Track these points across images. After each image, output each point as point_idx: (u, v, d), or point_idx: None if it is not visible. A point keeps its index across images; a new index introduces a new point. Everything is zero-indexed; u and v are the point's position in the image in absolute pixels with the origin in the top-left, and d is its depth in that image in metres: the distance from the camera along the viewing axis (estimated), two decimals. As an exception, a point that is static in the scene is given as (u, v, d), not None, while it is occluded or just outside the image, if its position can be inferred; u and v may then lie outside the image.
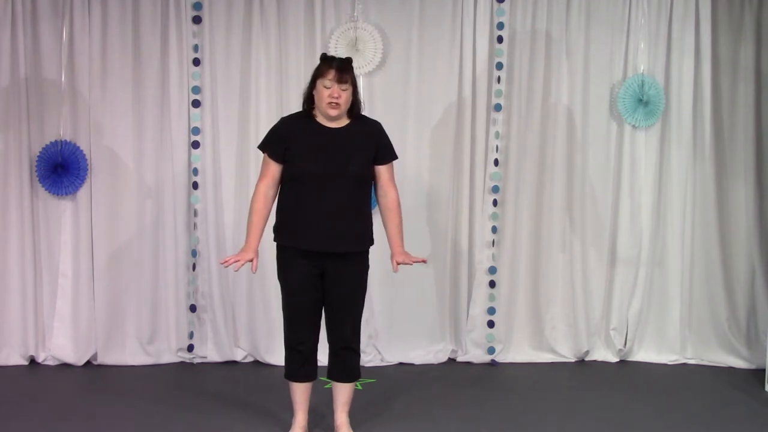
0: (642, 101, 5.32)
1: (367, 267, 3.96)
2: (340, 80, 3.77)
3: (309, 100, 3.88)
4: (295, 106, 4.35)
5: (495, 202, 5.36)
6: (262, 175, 3.89)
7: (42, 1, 5.06)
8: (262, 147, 3.92)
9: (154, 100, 5.18)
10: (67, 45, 5.08)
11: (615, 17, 5.36)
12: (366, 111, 4.51)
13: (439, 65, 5.30)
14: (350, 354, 3.97)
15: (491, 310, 5.41)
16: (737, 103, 5.45)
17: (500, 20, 5.28)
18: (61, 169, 5.08)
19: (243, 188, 5.18)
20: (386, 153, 3.92)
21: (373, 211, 3.99)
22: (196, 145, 5.21)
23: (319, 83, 3.80)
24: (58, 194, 5.11)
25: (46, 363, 5.22)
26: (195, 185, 5.23)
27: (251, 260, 3.84)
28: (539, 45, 5.33)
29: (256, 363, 5.34)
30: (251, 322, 5.31)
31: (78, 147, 5.11)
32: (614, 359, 5.52)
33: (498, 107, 5.32)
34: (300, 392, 3.99)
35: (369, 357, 5.27)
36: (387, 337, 5.36)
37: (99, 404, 4.53)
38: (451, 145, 5.32)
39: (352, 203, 3.82)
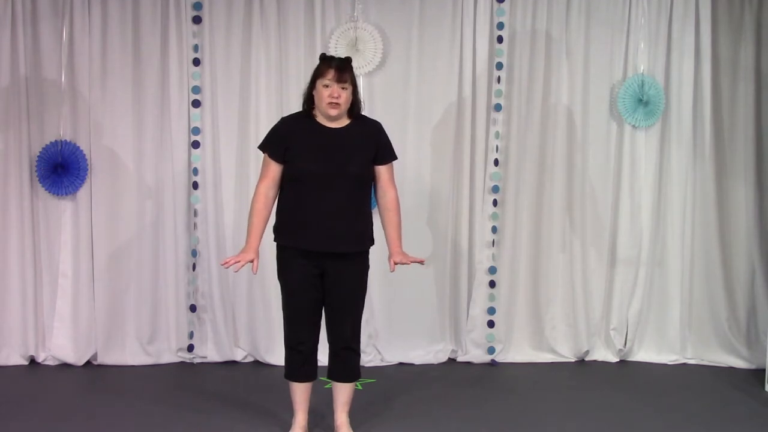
0: (642, 101, 5.32)
1: (367, 267, 3.96)
2: (339, 80, 3.77)
3: (309, 100, 3.88)
4: (295, 106, 4.35)
5: (495, 202, 5.36)
6: (262, 176, 3.89)
7: (42, 1, 5.06)
8: (263, 147, 3.91)
9: (154, 100, 5.18)
10: (67, 45, 5.08)
11: (615, 17, 5.36)
12: (366, 111, 4.51)
13: (439, 65, 5.30)
14: (350, 354, 3.97)
15: (491, 310, 5.41)
16: (737, 103, 5.45)
17: (500, 20, 5.28)
18: (61, 169, 5.08)
19: (243, 188, 5.19)
20: (386, 153, 3.92)
21: (372, 211, 3.99)
22: (196, 145, 5.21)
23: (319, 83, 3.80)
24: (58, 194, 5.11)
25: (46, 363, 5.22)
26: (195, 185, 5.23)
27: (252, 261, 3.83)
28: (539, 45, 5.34)
29: (256, 363, 5.35)
30: (251, 322, 5.31)
31: (78, 147, 5.11)
32: (614, 359, 5.52)
33: (498, 107, 5.32)
34: (300, 392, 3.99)
35: (369, 357, 5.27)
36: (387, 337, 5.36)
37: (99, 404, 4.53)
38: (451, 145, 5.32)
39: (352, 203, 3.82)
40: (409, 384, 4.97)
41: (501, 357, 5.45)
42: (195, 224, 5.24)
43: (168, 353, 5.30)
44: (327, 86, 3.78)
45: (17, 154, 5.09)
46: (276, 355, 5.12)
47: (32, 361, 5.24)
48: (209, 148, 5.23)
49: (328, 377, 4.04)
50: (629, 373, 5.33)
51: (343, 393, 4.02)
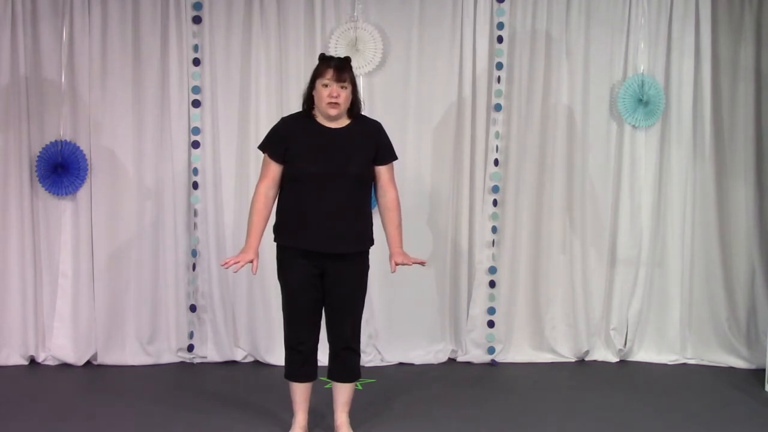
0: (642, 101, 5.32)
1: (367, 267, 3.96)
2: (338, 79, 3.77)
3: (309, 101, 3.88)
4: (295, 106, 4.35)
5: (495, 202, 5.36)
6: (262, 176, 3.89)
7: (42, 1, 5.06)
8: (263, 147, 3.91)
9: (154, 100, 5.18)
10: (67, 45, 5.08)
11: (615, 17, 5.36)
12: (366, 111, 4.51)
13: (439, 65, 5.30)
14: (350, 354, 3.97)
15: (491, 310, 5.41)
16: (737, 103, 5.45)
17: (500, 20, 5.28)
18: (61, 169, 5.08)
19: (243, 188, 5.18)
20: (386, 153, 3.92)
21: (373, 211, 3.99)
22: (196, 145, 5.21)
23: (318, 83, 3.80)
24: (58, 194, 5.11)
25: (46, 363, 5.22)
26: (195, 185, 5.23)
27: (251, 261, 3.83)
28: (539, 45, 5.33)
29: (256, 363, 5.34)
30: (251, 322, 5.31)
31: (78, 147, 5.11)
32: (614, 359, 5.52)
33: (498, 107, 5.32)
34: (300, 392, 3.99)
35: (369, 357, 5.27)
36: (387, 337, 5.36)
37: (99, 404, 4.53)
38: (451, 145, 5.32)
39: (352, 203, 3.82)
40: (409, 384, 4.97)
41: (501, 357, 5.45)
42: (195, 224, 5.24)
43: (168, 353, 5.30)
44: (326, 86, 3.78)
45: (17, 154, 5.09)
46: (276, 355, 5.12)
47: (32, 361, 5.24)
48: (209, 148, 5.23)
49: (328, 377, 4.04)
50: (629, 373, 5.33)
51: (343, 393, 4.02)
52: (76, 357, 5.19)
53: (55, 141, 5.09)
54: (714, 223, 5.45)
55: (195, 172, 5.21)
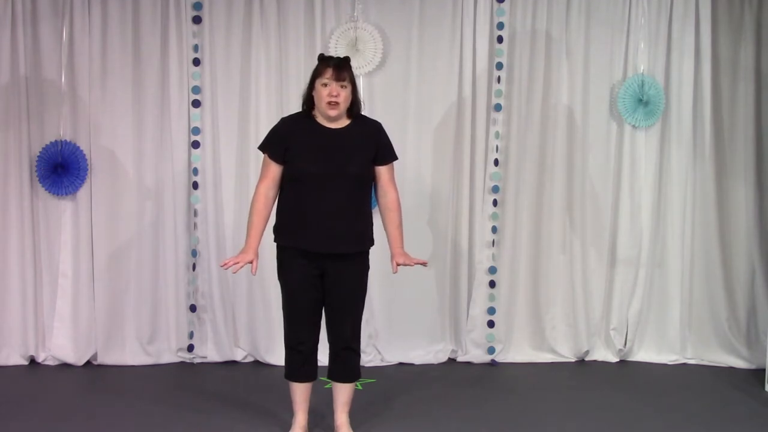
0: (642, 101, 5.32)
1: (367, 267, 3.96)
2: (338, 78, 3.77)
3: (308, 101, 3.87)
4: (295, 106, 4.35)
5: (495, 202, 5.36)
6: (262, 176, 3.89)
7: (42, 1, 5.06)
8: (263, 147, 3.91)
9: (154, 100, 5.18)
10: (67, 45, 5.08)
11: (615, 17, 5.36)
12: (366, 111, 4.51)
13: (439, 65, 5.30)
14: (350, 354, 3.97)
15: (491, 310, 5.41)
16: (737, 103, 5.45)
17: (500, 20, 5.28)
18: (61, 169, 5.08)
19: (243, 188, 5.19)
20: (386, 153, 3.92)
21: (373, 212, 3.99)
22: (196, 145, 5.21)
23: (318, 82, 3.80)
24: (58, 194, 5.11)
25: (46, 363, 5.22)
26: (195, 185, 5.23)
27: (251, 262, 3.83)
28: (539, 45, 5.33)
29: (256, 363, 5.35)
30: (251, 322, 5.31)
31: (78, 147, 5.11)
32: (614, 359, 5.52)
33: (498, 107, 5.32)
34: (300, 392, 3.99)
35: (369, 357, 5.27)
36: (387, 337, 5.36)
37: (99, 404, 4.53)
38: (451, 145, 5.32)
39: (352, 203, 3.81)
40: (409, 384, 4.97)
41: (501, 357, 5.45)
42: (195, 224, 5.24)
43: (168, 353, 5.30)
44: (325, 85, 3.77)
45: (17, 154, 5.09)
46: (276, 355, 5.12)
47: (32, 361, 5.24)
48: (209, 148, 5.23)
49: (328, 377, 4.04)
50: (629, 373, 5.33)
51: (343, 393, 4.02)
52: (76, 357, 5.19)
53: (55, 141, 5.09)
54: (714, 223, 5.45)
55: (195, 172, 5.21)
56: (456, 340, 5.49)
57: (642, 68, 5.36)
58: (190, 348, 5.31)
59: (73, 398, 4.68)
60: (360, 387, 4.63)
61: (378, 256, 4.13)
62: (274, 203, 3.90)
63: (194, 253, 5.26)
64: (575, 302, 5.47)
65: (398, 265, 3.89)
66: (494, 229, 5.38)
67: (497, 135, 5.33)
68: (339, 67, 3.78)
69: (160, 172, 5.21)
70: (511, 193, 5.40)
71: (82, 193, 5.16)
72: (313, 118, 3.86)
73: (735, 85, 5.44)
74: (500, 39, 5.29)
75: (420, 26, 5.27)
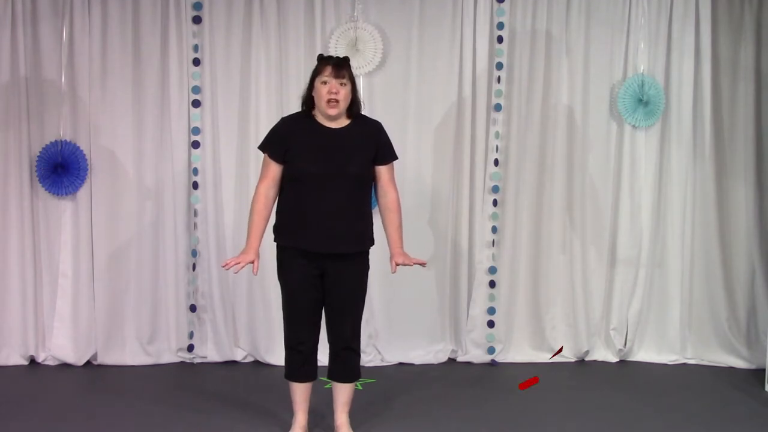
0: (642, 101, 5.32)
1: (367, 267, 3.96)
2: (337, 75, 3.77)
3: (308, 101, 3.87)
4: (295, 106, 4.35)
5: (495, 202, 5.36)
6: (262, 176, 3.89)
7: (42, 1, 5.06)
8: (263, 147, 3.91)
9: (154, 100, 5.18)
10: (67, 45, 5.08)
11: (615, 17, 5.36)
12: (366, 111, 4.51)
13: (439, 65, 5.30)
14: (350, 354, 3.97)
15: (491, 310, 5.41)
16: (737, 103, 5.45)
17: (500, 20, 5.28)
18: (61, 169, 5.08)
19: (243, 188, 5.19)
20: (386, 153, 3.92)
21: (373, 212, 3.99)
22: (196, 145, 5.21)
23: (317, 81, 3.80)
24: (58, 194, 5.11)
25: (46, 363, 5.22)
26: (195, 185, 5.23)
27: (252, 262, 3.83)
28: (539, 45, 5.34)
29: (256, 363, 5.35)
30: (251, 322, 5.31)
31: (78, 147, 5.11)
32: (614, 359, 5.52)
33: (498, 107, 5.32)
34: (300, 392, 3.99)
35: (369, 357, 5.27)
36: (387, 337, 5.36)
37: (99, 404, 4.53)
38: (451, 145, 5.32)
39: (352, 203, 3.81)
40: (409, 384, 4.97)
41: (501, 357, 5.45)
42: (195, 224, 5.24)
43: (168, 353, 5.30)
44: (325, 83, 3.77)
45: (17, 154, 5.09)
46: (276, 355, 5.12)
47: (32, 361, 5.24)
48: (209, 148, 5.23)
49: (328, 377, 4.04)
50: (629, 373, 5.33)
51: (343, 393, 4.02)
52: (76, 357, 5.19)
53: (55, 141, 5.10)
54: (714, 223, 5.45)
55: (195, 172, 5.21)
56: (456, 340, 5.49)
57: (642, 68, 5.36)
58: (190, 348, 5.31)
59: (73, 398, 4.68)
60: (360, 387, 4.63)
61: (378, 256, 4.13)
62: (274, 203, 3.90)
63: (194, 253, 5.26)
64: (575, 302, 5.47)
65: (397, 265, 3.89)
66: (494, 229, 5.38)
67: (497, 135, 5.33)
68: (338, 65, 3.79)
69: (160, 172, 5.21)
70: (511, 193, 5.40)
71: (82, 193, 5.16)
72: (313, 118, 3.87)
73: (735, 85, 5.44)
74: (500, 39, 5.29)
75: (420, 26, 5.27)
